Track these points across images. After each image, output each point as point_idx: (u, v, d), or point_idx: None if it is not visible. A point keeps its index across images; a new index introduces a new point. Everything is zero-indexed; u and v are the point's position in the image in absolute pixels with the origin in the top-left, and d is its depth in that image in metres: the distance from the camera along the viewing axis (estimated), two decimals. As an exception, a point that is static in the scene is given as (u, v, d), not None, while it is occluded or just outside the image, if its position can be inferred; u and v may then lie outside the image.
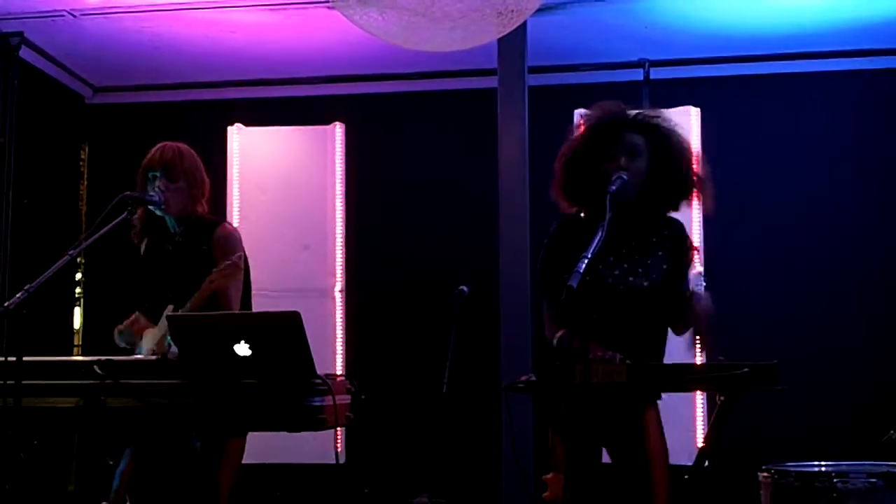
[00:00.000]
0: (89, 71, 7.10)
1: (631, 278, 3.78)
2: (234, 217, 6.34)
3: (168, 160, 4.30)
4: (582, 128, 3.96)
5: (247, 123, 6.56)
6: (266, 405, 3.52)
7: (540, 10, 5.47)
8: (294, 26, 6.27)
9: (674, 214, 3.93)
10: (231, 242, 4.30)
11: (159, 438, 3.99)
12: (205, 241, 4.29)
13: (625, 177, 3.67)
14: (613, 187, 3.59)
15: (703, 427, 5.74)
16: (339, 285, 6.46)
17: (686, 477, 3.70)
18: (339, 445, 5.87)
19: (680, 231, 3.91)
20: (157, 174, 4.28)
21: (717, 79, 6.69)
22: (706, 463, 3.79)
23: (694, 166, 3.90)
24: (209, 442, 4.06)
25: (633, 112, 3.91)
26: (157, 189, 4.26)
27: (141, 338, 4.25)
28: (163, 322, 4.13)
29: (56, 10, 6.09)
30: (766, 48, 6.53)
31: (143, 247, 4.42)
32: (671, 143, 3.85)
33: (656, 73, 6.64)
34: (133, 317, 4.32)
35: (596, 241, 3.34)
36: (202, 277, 4.11)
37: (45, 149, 6.91)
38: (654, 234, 3.85)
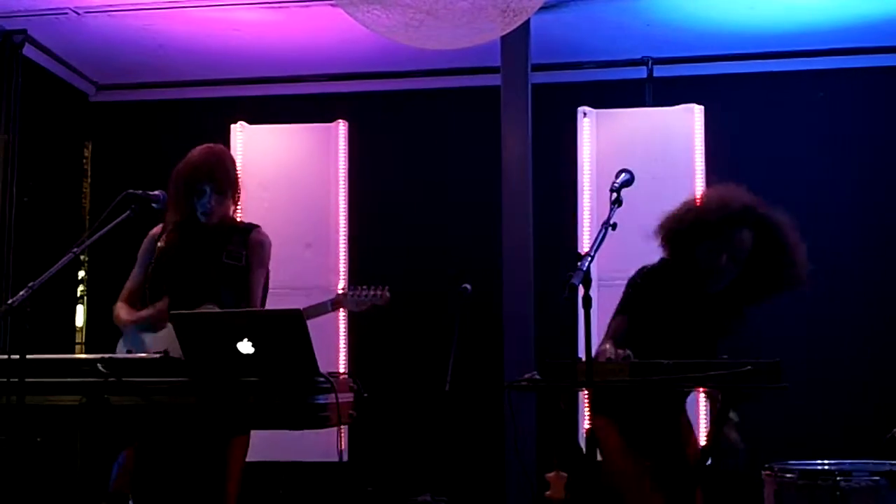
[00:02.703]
0: (93, 68, 7.10)
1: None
2: (237, 214, 6.33)
3: (216, 170, 4.22)
4: (701, 203, 4.04)
5: (250, 121, 6.55)
6: (269, 403, 3.53)
7: (543, 8, 5.48)
8: (297, 24, 6.27)
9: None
10: (266, 250, 4.33)
11: (163, 436, 3.98)
12: (242, 244, 4.29)
13: (628, 174, 3.66)
14: (618, 183, 3.59)
15: (705, 425, 5.73)
16: (341, 283, 6.45)
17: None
18: (342, 443, 5.86)
19: None
20: (207, 189, 4.20)
21: (721, 76, 6.68)
22: (709, 461, 3.79)
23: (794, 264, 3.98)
24: (213, 440, 4.06)
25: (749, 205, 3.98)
26: (206, 203, 4.20)
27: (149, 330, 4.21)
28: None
29: (59, 8, 6.10)
30: (770, 45, 6.52)
31: (163, 237, 4.35)
32: (776, 244, 3.97)
33: (659, 71, 6.64)
34: (161, 304, 4.14)
35: (598, 238, 3.37)
36: (238, 278, 4.18)
37: (49, 146, 6.92)
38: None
